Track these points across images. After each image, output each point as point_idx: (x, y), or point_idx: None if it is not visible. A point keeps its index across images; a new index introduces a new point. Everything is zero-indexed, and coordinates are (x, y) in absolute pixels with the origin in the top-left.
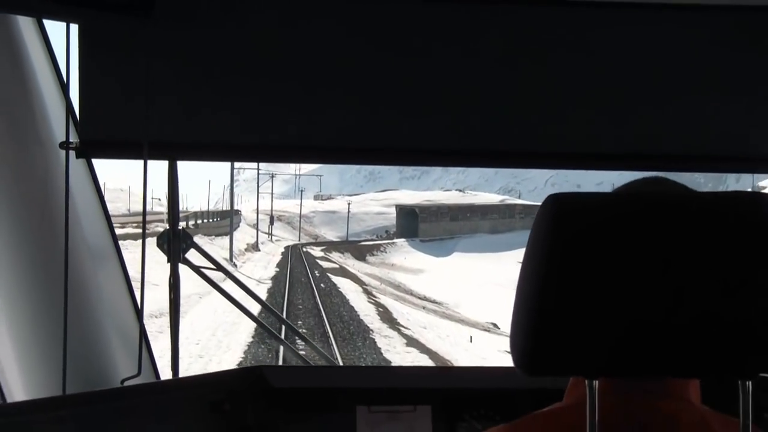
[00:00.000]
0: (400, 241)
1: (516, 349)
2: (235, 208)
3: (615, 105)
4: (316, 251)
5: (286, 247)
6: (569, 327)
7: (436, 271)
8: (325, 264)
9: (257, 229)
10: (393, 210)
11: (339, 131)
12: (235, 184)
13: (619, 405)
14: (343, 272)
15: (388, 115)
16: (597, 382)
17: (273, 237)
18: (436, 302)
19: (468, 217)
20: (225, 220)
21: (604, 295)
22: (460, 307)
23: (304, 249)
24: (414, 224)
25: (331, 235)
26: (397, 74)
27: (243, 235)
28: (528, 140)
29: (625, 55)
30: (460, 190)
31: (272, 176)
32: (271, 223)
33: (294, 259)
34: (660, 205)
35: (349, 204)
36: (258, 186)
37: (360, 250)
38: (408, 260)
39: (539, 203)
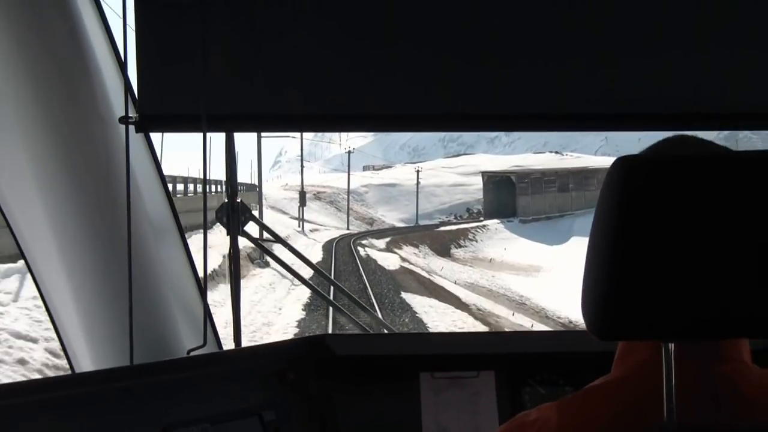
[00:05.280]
0: (492, 222)
1: (588, 314)
2: (258, 184)
3: (655, 63)
4: (379, 249)
5: (328, 247)
6: (643, 289)
7: (556, 269)
8: (441, 314)
9: (259, 209)
10: (473, 180)
11: (393, 99)
12: (277, 165)
13: (683, 370)
14: None
15: (448, 81)
16: (673, 345)
17: (305, 224)
18: None
19: (582, 185)
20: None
21: (678, 256)
22: None
23: (361, 248)
24: (510, 198)
25: (391, 217)
26: (456, 38)
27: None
28: (576, 102)
29: (657, 12)
30: (558, 152)
31: (301, 136)
32: (302, 203)
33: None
34: (732, 163)
35: (418, 172)
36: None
37: (439, 240)
38: (509, 252)
39: None
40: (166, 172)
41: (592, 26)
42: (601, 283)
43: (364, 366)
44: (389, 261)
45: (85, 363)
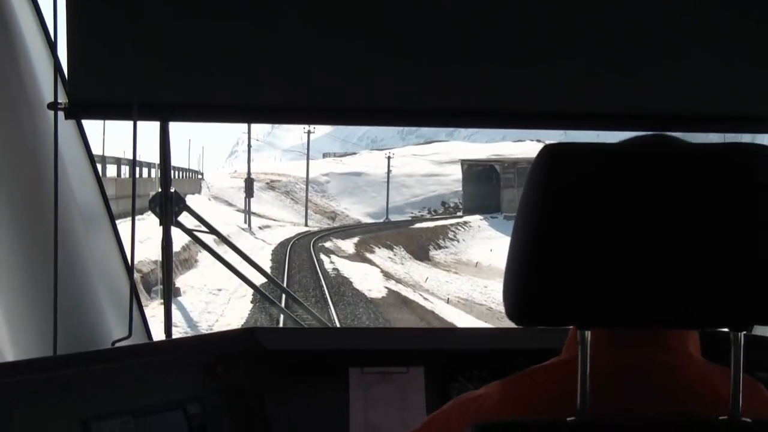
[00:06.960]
0: (473, 218)
1: (508, 301)
2: (203, 171)
3: (622, 64)
4: (348, 254)
5: (280, 254)
6: (560, 276)
7: None
8: None
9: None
10: (448, 170)
11: (337, 91)
12: (234, 155)
13: (616, 358)
14: None
15: (391, 75)
16: (589, 333)
17: (254, 220)
18: None
19: None
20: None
21: (596, 245)
22: None
23: (325, 257)
24: (493, 191)
25: (356, 211)
26: (401, 33)
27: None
28: (542, 100)
29: (635, 14)
30: (539, 140)
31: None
32: (249, 193)
33: None
34: (653, 154)
35: (389, 158)
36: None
37: (416, 240)
38: (496, 253)
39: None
40: (107, 154)
41: (568, 28)
42: (521, 269)
43: (294, 360)
44: (370, 281)
45: (8, 353)
